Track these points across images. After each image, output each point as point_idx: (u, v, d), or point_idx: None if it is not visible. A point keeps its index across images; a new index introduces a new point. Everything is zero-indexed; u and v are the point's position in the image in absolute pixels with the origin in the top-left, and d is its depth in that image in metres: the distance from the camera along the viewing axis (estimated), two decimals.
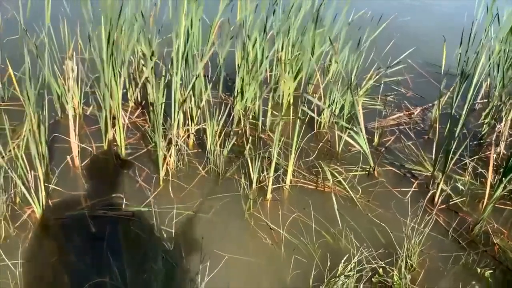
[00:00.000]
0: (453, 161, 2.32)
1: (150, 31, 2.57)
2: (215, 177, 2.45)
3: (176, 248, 1.95)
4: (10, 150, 2.10)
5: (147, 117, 2.85)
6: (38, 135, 2.17)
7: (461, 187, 2.45)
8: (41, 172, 2.07)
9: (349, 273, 1.82)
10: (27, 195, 1.96)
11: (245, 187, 2.36)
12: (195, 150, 2.62)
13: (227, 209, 2.24)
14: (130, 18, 2.33)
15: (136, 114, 2.86)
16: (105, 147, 2.49)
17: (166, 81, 2.51)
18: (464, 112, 2.15)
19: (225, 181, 2.42)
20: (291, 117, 2.30)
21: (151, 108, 2.79)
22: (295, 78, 2.97)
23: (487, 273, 1.96)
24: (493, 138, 2.61)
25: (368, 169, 2.56)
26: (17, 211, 2.07)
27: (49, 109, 2.68)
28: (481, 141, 2.89)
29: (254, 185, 2.36)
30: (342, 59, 2.75)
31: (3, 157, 1.97)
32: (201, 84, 2.50)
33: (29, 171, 1.97)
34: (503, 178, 2.08)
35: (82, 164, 2.43)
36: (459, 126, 2.19)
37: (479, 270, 1.98)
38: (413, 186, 2.46)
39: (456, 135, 2.23)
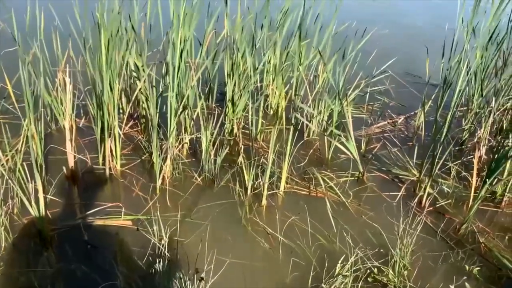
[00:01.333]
0: (438, 166, 2.43)
1: (141, 43, 2.64)
2: (210, 184, 2.50)
3: (177, 254, 1.99)
4: (3, 163, 2.12)
5: (140, 127, 2.89)
6: (36, 146, 2.19)
7: (446, 189, 2.56)
8: (40, 182, 2.08)
9: (346, 273, 1.89)
10: (27, 205, 1.97)
11: (241, 194, 2.42)
12: (190, 159, 2.67)
13: (224, 215, 2.29)
14: (123, 30, 2.40)
15: (129, 125, 2.89)
16: (101, 158, 2.52)
17: (160, 92, 2.57)
18: (448, 118, 2.28)
19: (220, 188, 2.47)
20: (284, 125, 2.37)
21: (144, 119, 2.85)
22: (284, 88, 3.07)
23: (475, 270, 2.07)
24: (476, 142, 2.75)
25: (357, 175, 2.65)
26: (16, 221, 2.07)
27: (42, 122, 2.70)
28: (462, 146, 3.03)
29: (249, 192, 2.42)
30: (329, 69, 2.86)
31: (4, 168, 1.98)
32: (195, 95, 2.56)
33: (29, 181, 1.98)
34: (487, 180, 2.20)
35: (78, 175, 2.45)
36: (444, 132, 2.31)
37: (467, 267, 2.09)
38: (402, 190, 2.56)
39: (441, 141, 2.35)
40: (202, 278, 1.69)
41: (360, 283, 1.91)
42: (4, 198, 2.08)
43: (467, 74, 2.60)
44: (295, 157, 2.75)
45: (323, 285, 1.86)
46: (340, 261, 1.93)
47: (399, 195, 2.53)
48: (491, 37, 2.53)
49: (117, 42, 2.23)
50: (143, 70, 2.40)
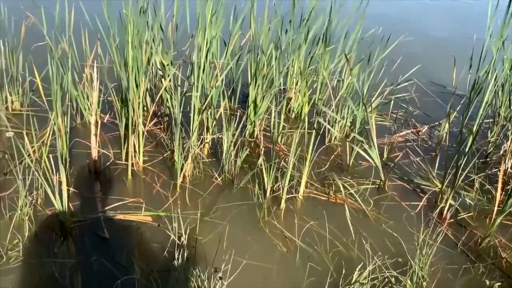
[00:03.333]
0: (461, 178, 2.39)
1: (167, 43, 2.67)
2: (229, 185, 2.51)
3: (195, 252, 2.00)
4: (30, 154, 2.17)
5: (163, 125, 2.92)
6: (61, 139, 2.24)
7: (469, 201, 2.52)
8: (64, 175, 2.12)
9: (364, 281, 1.87)
10: (51, 196, 2.02)
11: (259, 196, 2.42)
12: (210, 159, 2.69)
13: (242, 216, 2.30)
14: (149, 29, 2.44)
15: (152, 123, 2.92)
16: (124, 153, 2.56)
17: (185, 91, 2.59)
18: (474, 130, 2.24)
19: (239, 189, 2.48)
20: (306, 130, 2.36)
21: (167, 118, 2.88)
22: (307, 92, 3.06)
23: (496, 285, 2.02)
24: (502, 155, 2.69)
25: (378, 183, 2.63)
26: (39, 212, 2.12)
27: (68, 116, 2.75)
28: (487, 159, 2.97)
29: (268, 194, 2.42)
30: (354, 75, 2.84)
31: (31, 159, 2.03)
32: (219, 95, 2.58)
33: (54, 173, 2.02)
34: (511, 194, 2.15)
35: (101, 169, 2.49)
36: (469, 144, 2.27)
37: (488, 282, 2.04)
38: (423, 201, 2.52)
39: (465, 153, 2.31)
40: (220, 278, 1.69)
41: None
42: (29, 189, 2.12)
43: (495, 86, 2.55)
44: (315, 162, 2.74)
45: None
46: (357, 269, 1.92)
47: (420, 205, 2.49)
48: None
49: (143, 40, 2.26)
50: (169, 68, 2.42)
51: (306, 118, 2.30)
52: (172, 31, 2.69)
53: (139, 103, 2.40)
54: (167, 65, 2.41)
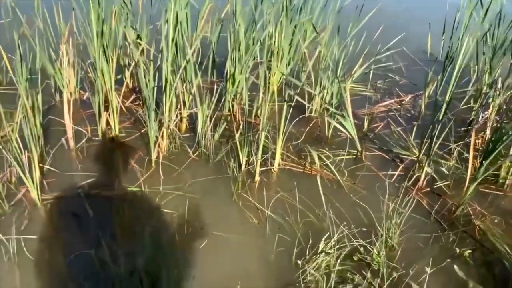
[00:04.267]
0: (437, 146, 2.36)
1: (138, 17, 2.63)
2: (205, 160, 2.51)
3: (166, 226, 2.02)
4: (5, 133, 2.18)
5: (142, 101, 2.91)
6: (32, 117, 2.24)
7: (446, 171, 2.50)
8: (35, 153, 2.14)
9: (330, 250, 1.89)
10: (21, 174, 2.04)
11: (234, 169, 2.42)
12: (187, 134, 2.69)
13: (216, 190, 2.30)
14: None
15: (131, 99, 2.92)
16: (99, 130, 2.56)
17: (157, 66, 2.57)
18: (447, 97, 2.20)
19: (215, 164, 2.48)
20: (277, 102, 2.34)
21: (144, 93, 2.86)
22: (286, 65, 3.02)
23: (466, 253, 2.03)
24: (478, 123, 2.66)
25: (355, 154, 2.61)
26: (12, 190, 2.14)
27: (47, 94, 2.76)
28: (469, 127, 2.93)
29: (243, 168, 2.42)
30: (329, 47, 2.80)
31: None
32: (192, 70, 2.55)
33: (23, 152, 2.04)
34: (483, 161, 2.13)
35: (77, 146, 2.50)
36: (442, 111, 2.24)
37: (458, 250, 2.05)
38: (399, 170, 2.51)
39: (440, 120, 2.28)
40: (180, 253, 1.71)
41: (345, 261, 1.90)
42: (2, 168, 2.14)
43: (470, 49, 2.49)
44: (293, 134, 2.73)
45: (298, 261, 1.86)
46: (323, 238, 1.93)
47: (395, 175, 2.48)
48: (500, 11, 2.41)
49: (108, 14, 2.23)
50: (139, 43, 2.39)
51: (276, 90, 2.26)
52: (143, 5, 2.65)
53: (110, 79, 2.39)
54: (136, 39, 2.37)
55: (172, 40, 2.30)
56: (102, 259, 1.78)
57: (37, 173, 2.13)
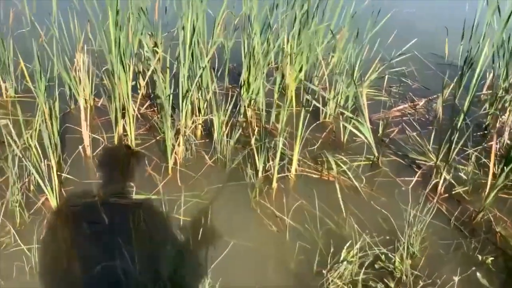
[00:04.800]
0: (455, 151, 2.35)
1: (155, 24, 2.64)
2: (222, 166, 2.50)
3: (184, 234, 2.02)
4: (24, 140, 2.18)
5: (156, 108, 2.91)
6: (50, 125, 2.24)
7: (464, 176, 2.48)
8: (54, 161, 2.14)
9: (352, 259, 1.87)
10: (41, 183, 2.04)
11: (251, 176, 2.41)
12: (203, 140, 2.68)
13: (233, 197, 2.30)
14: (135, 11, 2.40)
15: (145, 106, 2.92)
16: (116, 137, 2.56)
17: (173, 73, 2.57)
18: (466, 102, 2.19)
19: (231, 170, 2.47)
20: (294, 107, 2.33)
21: (159, 100, 2.86)
22: (300, 70, 3.01)
23: (489, 260, 2.01)
24: (496, 128, 2.63)
25: (372, 159, 2.60)
26: (31, 198, 2.15)
27: (61, 101, 2.76)
28: (485, 131, 2.91)
29: (260, 174, 2.41)
30: (345, 51, 2.79)
31: (18, 147, 2.04)
32: (208, 76, 2.55)
33: (42, 160, 2.04)
34: (505, 167, 2.11)
35: (94, 154, 2.50)
36: (461, 116, 2.22)
37: (480, 257, 2.03)
38: (417, 176, 2.49)
39: (458, 125, 2.26)
40: (200, 264, 1.71)
41: (367, 269, 1.89)
42: (21, 176, 2.14)
43: (492, 56, 2.48)
44: (309, 139, 2.72)
45: (323, 271, 1.85)
46: (345, 247, 1.91)
47: (413, 181, 2.46)
48: None
49: (126, 22, 2.23)
50: (155, 51, 2.40)
51: (294, 96, 2.25)
52: (159, 12, 2.65)
53: (127, 86, 2.39)
54: (153, 47, 2.38)
55: (189, 47, 2.30)
56: (124, 268, 1.78)
57: (56, 181, 2.13)
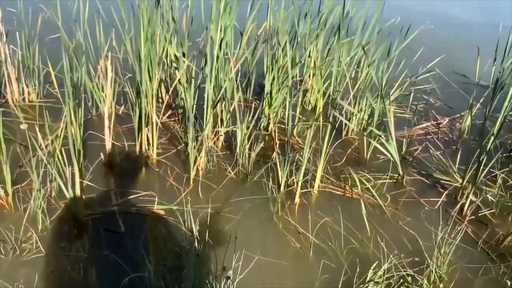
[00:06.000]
0: (483, 173, 2.30)
1: (182, 34, 2.64)
2: (243, 179, 2.47)
3: (205, 247, 1.98)
4: (43, 147, 2.17)
5: (178, 117, 2.90)
6: (74, 131, 2.23)
7: (491, 198, 2.42)
8: (77, 168, 2.12)
9: (378, 279, 1.82)
10: (64, 189, 2.02)
11: (273, 190, 2.38)
12: (224, 152, 2.66)
13: (255, 211, 2.26)
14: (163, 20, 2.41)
15: (167, 115, 2.90)
16: (138, 146, 2.54)
17: (197, 83, 2.56)
18: (498, 123, 2.14)
19: (253, 183, 2.44)
20: (321, 122, 2.30)
21: (182, 110, 2.85)
22: (323, 84, 2.99)
23: None
24: None
25: (396, 178, 2.55)
26: (53, 204, 2.13)
27: (83, 107, 2.75)
28: (511, 153, 2.86)
29: (282, 189, 2.38)
30: (373, 67, 2.76)
31: (43, 152, 2.03)
32: (233, 88, 2.54)
33: (67, 166, 2.02)
34: None
35: (115, 162, 2.48)
36: (492, 137, 2.18)
37: (509, 283, 1.97)
38: (442, 197, 2.44)
39: (488, 146, 2.22)
40: (228, 277, 1.67)
41: None
42: (44, 182, 2.13)
43: None
44: (331, 155, 2.68)
45: None
46: (372, 267, 1.87)
47: (439, 202, 2.41)
48: None
49: (156, 32, 2.23)
50: (183, 61, 2.39)
51: (321, 111, 2.22)
52: (186, 22, 2.65)
53: (152, 95, 2.38)
54: (180, 56, 2.37)
55: (217, 59, 2.29)
56: (143, 278, 1.75)
57: (78, 188, 2.11)
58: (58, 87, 2.75)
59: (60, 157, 2.07)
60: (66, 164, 2.08)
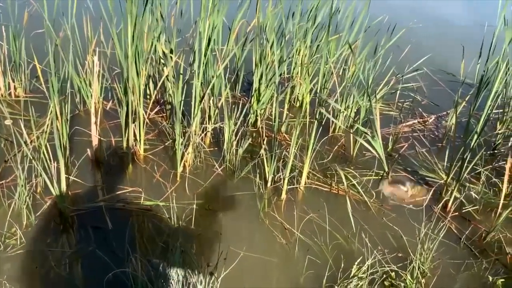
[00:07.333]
0: (467, 170, 2.33)
1: (170, 30, 2.63)
2: (230, 175, 2.48)
3: (192, 243, 1.99)
4: (28, 143, 2.16)
5: (166, 113, 2.90)
6: (60, 127, 2.22)
7: (474, 195, 2.46)
8: (63, 163, 2.11)
9: (362, 275, 1.85)
10: (49, 185, 2.01)
11: (260, 186, 2.39)
12: (212, 148, 2.66)
13: (242, 207, 2.27)
14: (152, 17, 2.40)
15: (155, 111, 2.90)
16: (125, 142, 2.54)
17: (185, 79, 2.56)
18: (481, 120, 2.17)
19: (240, 180, 2.45)
20: (307, 119, 2.32)
21: (170, 106, 2.85)
22: (311, 81, 3.01)
23: (499, 281, 1.98)
24: (510, 147, 2.62)
25: (382, 174, 2.58)
26: (38, 200, 2.12)
27: (70, 103, 2.73)
28: (495, 151, 2.90)
29: (269, 185, 2.39)
30: (359, 65, 2.78)
31: (28, 148, 2.02)
32: (221, 84, 2.54)
33: (52, 162, 2.01)
34: None
35: (102, 158, 2.47)
36: (476, 135, 2.21)
37: (490, 278, 2.00)
38: (430, 194, 2.46)
39: (472, 144, 2.25)
40: (211, 273, 1.68)
41: (376, 286, 1.86)
42: (29, 177, 2.12)
43: (506, 75, 2.48)
44: (318, 152, 2.70)
45: (336, 286, 1.82)
46: (356, 263, 1.89)
47: (424, 198, 2.44)
48: None
49: (144, 28, 2.22)
50: (170, 57, 2.38)
51: (308, 108, 2.24)
52: (175, 18, 2.64)
53: (139, 91, 2.37)
54: (168, 53, 2.36)
55: (205, 55, 2.29)
56: (130, 274, 1.75)
57: (64, 184, 2.10)
58: (44, 82, 2.73)
59: (45, 153, 2.06)
60: (52, 160, 2.08)
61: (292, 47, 2.93)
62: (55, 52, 2.22)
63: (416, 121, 3.21)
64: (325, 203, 2.31)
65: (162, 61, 2.75)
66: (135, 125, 2.48)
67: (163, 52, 2.60)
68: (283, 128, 2.87)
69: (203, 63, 2.35)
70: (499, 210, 2.24)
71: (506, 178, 2.23)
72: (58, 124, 2.15)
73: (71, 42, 2.62)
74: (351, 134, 2.73)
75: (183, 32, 2.89)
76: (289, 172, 2.31)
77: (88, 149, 2.45)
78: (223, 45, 2.71)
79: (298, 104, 3.15)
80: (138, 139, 2.52)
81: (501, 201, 2.21)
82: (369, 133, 2.50)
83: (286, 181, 2.32)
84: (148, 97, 2.93)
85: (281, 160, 2.52)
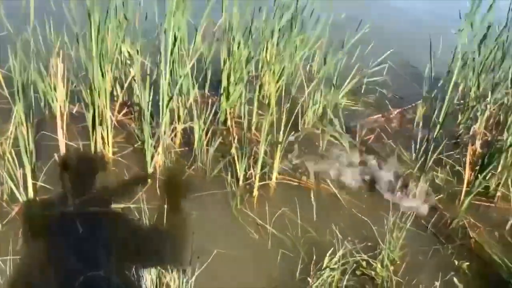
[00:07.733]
0: (431, 160, 2.42)
1: (135, 31, 2.61)
2: (202, 174, 2.49)
3: (165, 243, 1.99)
4: None
5: (134, 115, 2.87)
6: (26, 132, 2.17)
7: (440, 183, 2.55)
8: (29, 169, 2.07)
9: (334, 266, 1.89)
10: (15, 192, 1.97)
11: (232, 184, 2.41)
12: (182, 149, 2.66)
13: (215, 205, 2.28)
14: (116, 18, 2.38)
15: (122, 113, 2.87)
16: (93, 145, 2.50)
17: (153, 80, 2.55)
18: (442, 112, 2.25)
19: (212, 178, 2.46)
20: (274, 116, 2.35)
21: (138, 107, 2.82)
22: (279, 79, 3.04)
23: (464, 265, 2.07)
24: (471, 136, 2.73)
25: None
26: (5, 207, 2.07)
27: (34, 107, 2.68)
28: (458, 140, 3.00)
29: (241, 182, 2.41)
30: (325, 61, 2.84)
31: None
32: (189, 83, 2.54)
33: (17, 168, 1.97)
34: (479, 175, 2.19)
35: (70, 162, 2.44)
36: (438, 125, 2.29)
37: (456, 262, 2.08)
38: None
39: (435, 135, 2.33)
40: (184, 271, 1.69)
41: (348, 276, 1.91)
42: None
43: (462, 67, 2.58)
44: (288, 147, 2.73)
45: (307, 278, 1.86)
46: (328, 254, 1.93)
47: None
48: (488, 29, 2.49)
49: (107, 29, 2.20)
50: (136, 58, 2.37)
51: (276, 105, 2.27)
52: (139, 19, 2.63)
53: (105, 93, 2.35)
54: (134, 54, 2.35)
55: (171, 54, 2.29)
56: (105, 278, 1.74)
57: (31, 190, 2.06)
58: (7, 87, 2.66)
59: (10, 159, 2.01)
60: (18, 166, 2.04)
61: (259, 44, 2.95)
62: (17, 56, 2.17)
63: (382, 114, 3.29)
64: (297, 197, 2.34)
65: (128, 62, 2.73)
66: (103, 128, 2.45)
67: (129, 53, 2.59)
68: (253, 126, 2.90)
69: (170, 62, 2.34)
70: (462, 197, 2.32)
71: (467, 165, 2.32)
72: (23, 129, 2.10)
73: (31, 45, 2.57)
74: (320, 128, 2.77)
75: (149, 33, 2.87)
76: (260, 168, 2.34)
77: (55, 154, 2.41)
78: (190, 44, 2.71)
79: (267, 101, 3.17)
80: (106, 142, 2.50)
81: (464, 188, 2.30)
82: (337, 126, 2.55)
83: (257, 177, 2.34)
84: (115, 99, 2.90)
85: (252, 157, 2.54)
